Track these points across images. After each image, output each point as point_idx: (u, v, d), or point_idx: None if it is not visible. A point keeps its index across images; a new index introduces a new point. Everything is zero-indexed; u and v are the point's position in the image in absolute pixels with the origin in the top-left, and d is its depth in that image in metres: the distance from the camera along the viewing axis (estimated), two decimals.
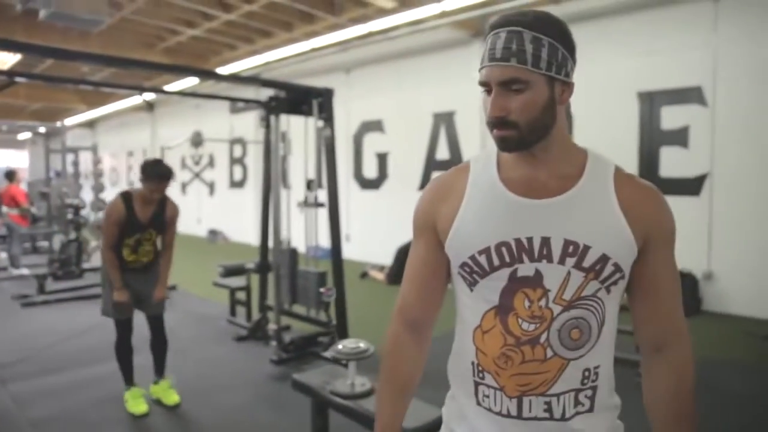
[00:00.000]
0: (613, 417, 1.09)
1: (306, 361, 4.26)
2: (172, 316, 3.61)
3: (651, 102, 6.14)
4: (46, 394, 3.79)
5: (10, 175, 9.42)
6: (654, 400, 1.07)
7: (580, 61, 1.02)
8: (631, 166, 6.07)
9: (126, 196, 3.36)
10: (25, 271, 8.15)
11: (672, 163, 6.02)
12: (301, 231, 4.97)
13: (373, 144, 9.30)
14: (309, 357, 4.37)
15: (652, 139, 6.16)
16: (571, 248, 0.98)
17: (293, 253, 4.75)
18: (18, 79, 4.20)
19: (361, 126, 9.43)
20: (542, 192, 1.01)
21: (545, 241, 0.99)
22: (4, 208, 8.78)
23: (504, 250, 1.01)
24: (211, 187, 13.10)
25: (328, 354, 3.98)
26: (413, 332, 1.18)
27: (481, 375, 1.06)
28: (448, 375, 1.16)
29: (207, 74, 6.00)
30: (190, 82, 10.37)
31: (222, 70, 9.31)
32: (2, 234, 8.67)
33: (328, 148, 4.66)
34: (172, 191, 3.56)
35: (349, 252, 5.11)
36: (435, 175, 7.54)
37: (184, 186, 13.53)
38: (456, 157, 7.96)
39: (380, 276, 7.67)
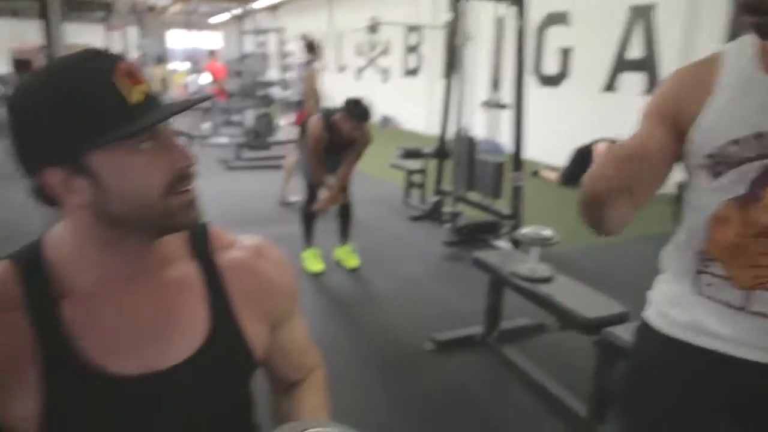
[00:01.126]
0: None
1: (476, 247, 4.41)
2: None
3: None
4: None
5: (212, 52, 10.59)
6: None
7: None
8: None
9: (328, 124, 3.59)
10: (224, 140, 9.26)
11: None
12: (479, 123, 4.99)
13: (556, 38, 8.71)
14: (479, 243, 4.55)
15: None
16: None
17: (471, 141, 4.80)
18: None
19: (546, 18, 8.82)
20: None
21: None
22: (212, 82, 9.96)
23: (761, 141, 0.95)
24: (385, 74, 13.34)
25: (510, 238, 4.17)
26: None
27: (706, 263, 1.03)
28: (662, 263, 1.16)
29: None
30: None
31: None
32: (206, 106, 9.83)
33: (517, 40, 4.50)
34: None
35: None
36: (622, 75, 6.91)
37: (359, 71, 13.94)
38: (650, 57, 7.19)
39: (552, 176, 7.52)
